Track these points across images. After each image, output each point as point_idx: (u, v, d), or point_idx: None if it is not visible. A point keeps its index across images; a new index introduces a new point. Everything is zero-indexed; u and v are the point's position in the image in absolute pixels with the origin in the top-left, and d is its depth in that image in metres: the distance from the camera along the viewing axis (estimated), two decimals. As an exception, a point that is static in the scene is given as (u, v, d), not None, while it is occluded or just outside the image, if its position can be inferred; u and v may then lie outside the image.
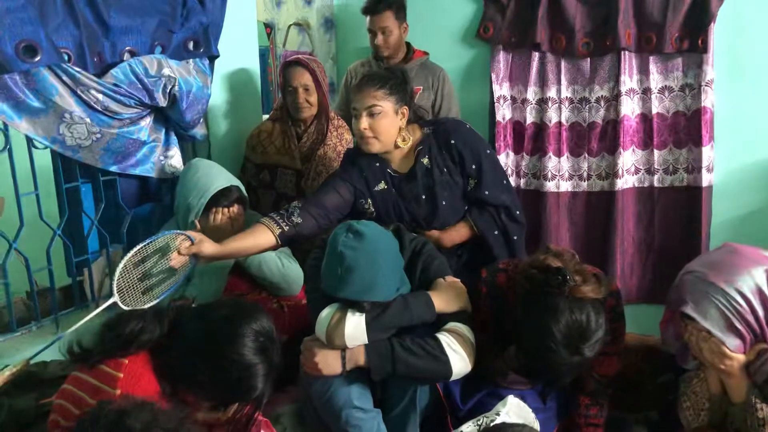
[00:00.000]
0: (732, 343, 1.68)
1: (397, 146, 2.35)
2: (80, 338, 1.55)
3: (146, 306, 1.86)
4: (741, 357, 1.70)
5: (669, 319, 1.89)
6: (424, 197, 2.36)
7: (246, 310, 1.58)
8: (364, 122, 2.25)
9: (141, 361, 1.51)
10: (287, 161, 2.81)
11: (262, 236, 2.17)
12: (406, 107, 2.31)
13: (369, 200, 2.38)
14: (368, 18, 3.15)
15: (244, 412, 1.60)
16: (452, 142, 2.34)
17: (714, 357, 1.72)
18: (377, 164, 2.39)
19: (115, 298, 1.84)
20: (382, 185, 2.38)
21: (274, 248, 2.22)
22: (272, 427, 1.74)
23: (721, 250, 1.80)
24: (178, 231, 2.02)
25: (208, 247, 2.03)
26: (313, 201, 2.31)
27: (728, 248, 1.79)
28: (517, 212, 2.42)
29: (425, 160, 2.36)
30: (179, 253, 1.97)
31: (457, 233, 2.39)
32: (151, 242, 1.94)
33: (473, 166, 2.35)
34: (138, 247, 1.91)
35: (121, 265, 1.87)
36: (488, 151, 2.41)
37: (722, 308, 1.66)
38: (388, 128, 2.28)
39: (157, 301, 1.93)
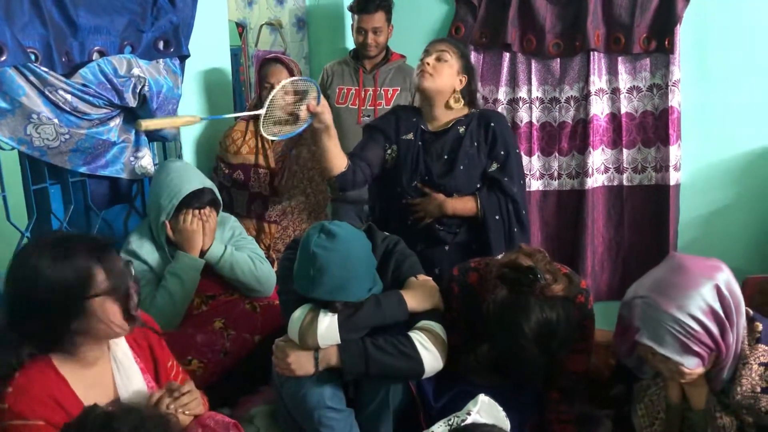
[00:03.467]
0: (691, 363, 1.65)
1: (449, 107, 2.49)
2: None
3: (266, 135, 2.28)
4: (701, 370, 1.68)
5: (621, 333, 1.85)
6: (445, 157, 2.48)
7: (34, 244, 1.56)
8: (431, 59, 2.44)
9: (31, 370, 1.47)
10: (261, 161, 2.80)
11: (342, 158, 2.41)
12: (465, 77, 2.49)
13: (393, 146, 2.52)
14: (357, 17, 3.15)
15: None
16: (492, 124, 2.49)
17: (674, 375, 1.71)
18: (414, 119, 2.55)
19: (262, 112, 2.24)
20: (410, 136, 2.52)
21: (340, 175, 2.43)
22: (241, 428, 1.73)
23: (668, 268, 1.74)
24: (317, 86, 2.30)
25: (328, 116, 2.30)
26: (359, 155, 2.49)
27: (674, 264, 1.73)
28: (524, 212, 2.51)
29: (461, 129, 2.49)
30: (308, 107, 2.23)
31: (462, 204, 2.46)
32: (302, 79, 2.33)
33: (502, 152, 2.48)
34: (295, 78, 2.34)
35: (280, 85, 2.27)
36: (517, 150, 2.56)
37: (677, 335, 1.63)
38: (447, 75, 2.45)
39: (277, 138, 2.36)
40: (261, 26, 3.82)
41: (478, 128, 2.49)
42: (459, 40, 3.40)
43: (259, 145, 2.80)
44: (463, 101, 2.51)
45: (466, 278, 2.05)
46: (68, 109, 2.09)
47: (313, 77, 3.76)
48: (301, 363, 1.84)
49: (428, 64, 2.43)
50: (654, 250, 3.29)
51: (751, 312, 1.76)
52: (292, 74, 2.75)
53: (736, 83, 3.15)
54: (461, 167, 2.46)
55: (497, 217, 2.46)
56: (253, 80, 2.86)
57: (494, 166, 2.48)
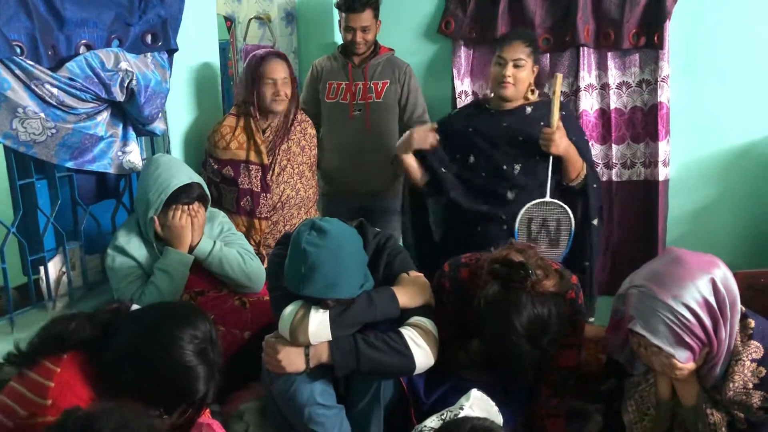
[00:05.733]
0: (682, 355, 1.66)
1: (526, 98, 2.62)
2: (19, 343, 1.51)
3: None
4: (692, 365, 1.69)
5: (614, 327, 1.87)
6: (504, 125, 2.58)
7: (182, 315, 1.56)
8: (509, 70, 2.53)
9: (73, 369, 1.46)
10: (253, 157, 2.79)
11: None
12: (537, 66, 2.64)
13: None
14: (344, 15, 3.13)
15: (186, 416, 1.55)
16: (563, 113, 2.54)
17: (665, 368, 1.71)
18: (478, 103, 2.74)
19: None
20: (469, 110, 2.73)
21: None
22: (222, 428, 1.72)
23: (665, 260, 1.76)
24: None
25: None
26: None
27: (672, 256, 1.75)
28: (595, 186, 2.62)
29: (529, 109, 2.61)
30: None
31: (575, 153, 2.51)
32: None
33: (573, 137, 2.54)
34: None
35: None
36: (585, 137, 2.72)
37: (671, 324, 1.64)
38: (525, 79, 2.58)
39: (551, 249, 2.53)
40: (249, 20, 3.79)
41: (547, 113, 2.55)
42: (448, 34, 3.40)
43: (250, 140, 2.78)
44: (537, 91, 2.66)
45: (458, 274, 2.05)
46: (55, 103, 2.07)
47: (302, 72, 3.75)
48: (292, 359, 1.84)
49: (509, 76, 2.52)
50: (643, 245, 3.30)
51: (744, 309, 1.77)
52: (290, 69, 2.78)
53: (725, 79, 3.16)
54: (519, 138, 2.55)
55: (594, 186, 2.58)
56: (242, 75, 2.84)
57: None
